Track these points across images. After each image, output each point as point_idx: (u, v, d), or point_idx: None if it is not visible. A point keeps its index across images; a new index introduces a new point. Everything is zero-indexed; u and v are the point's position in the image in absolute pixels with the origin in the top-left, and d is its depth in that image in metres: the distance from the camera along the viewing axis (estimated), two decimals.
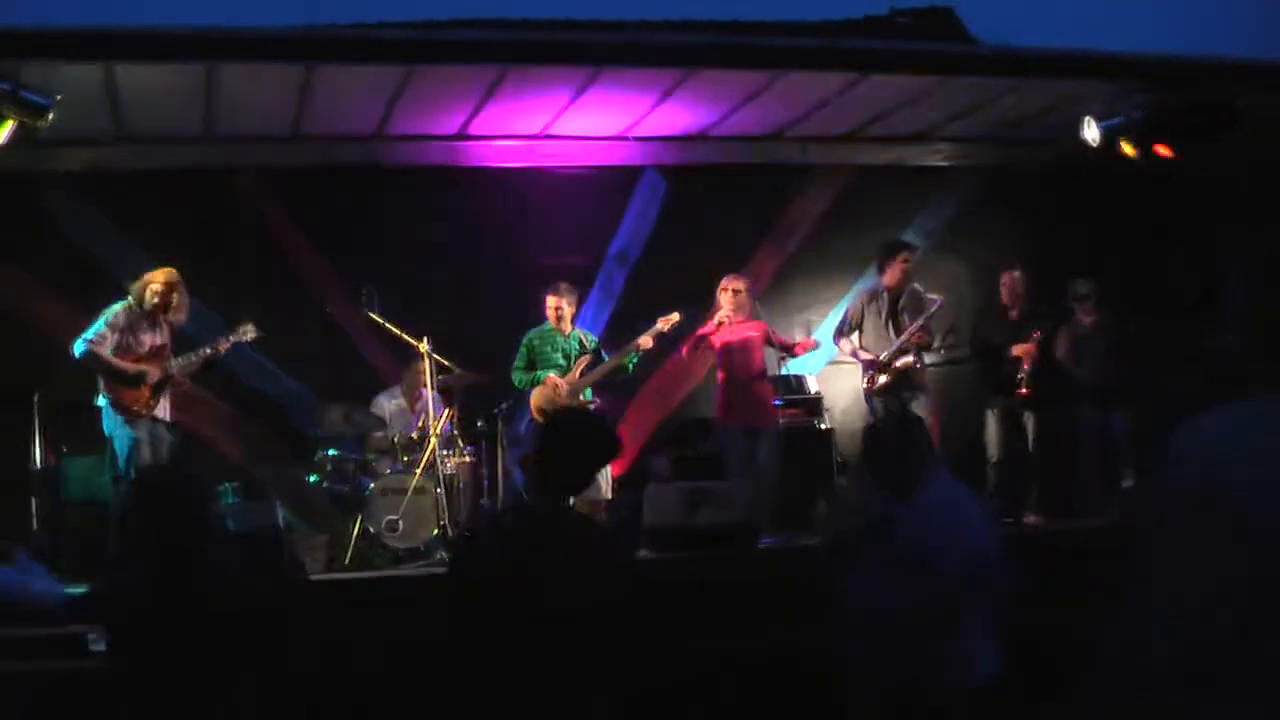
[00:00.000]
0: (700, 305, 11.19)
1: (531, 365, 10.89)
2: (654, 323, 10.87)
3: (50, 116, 9.24)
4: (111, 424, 9.51)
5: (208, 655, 4.70)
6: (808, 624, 7.55)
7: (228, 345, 10.01)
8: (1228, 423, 3.17)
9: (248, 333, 10.04)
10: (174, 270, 9.82)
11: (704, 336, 10.93)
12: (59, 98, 9.23)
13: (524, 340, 10.98)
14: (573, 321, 11.07)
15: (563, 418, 5.90)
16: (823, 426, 11.70)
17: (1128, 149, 11.14)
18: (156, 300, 9.68)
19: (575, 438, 5.01)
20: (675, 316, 10.88)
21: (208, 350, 9.90)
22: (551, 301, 10.95)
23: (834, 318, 12.88)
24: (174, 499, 5.07)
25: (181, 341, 10.01)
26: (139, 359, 9.55)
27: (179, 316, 9.90)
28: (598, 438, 5.16)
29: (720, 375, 11.02)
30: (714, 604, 8.08)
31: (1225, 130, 10.86)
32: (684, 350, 11.09)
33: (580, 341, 10.98)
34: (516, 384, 10.95)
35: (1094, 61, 11.33)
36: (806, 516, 10.01)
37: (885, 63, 11.15)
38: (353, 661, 7.10)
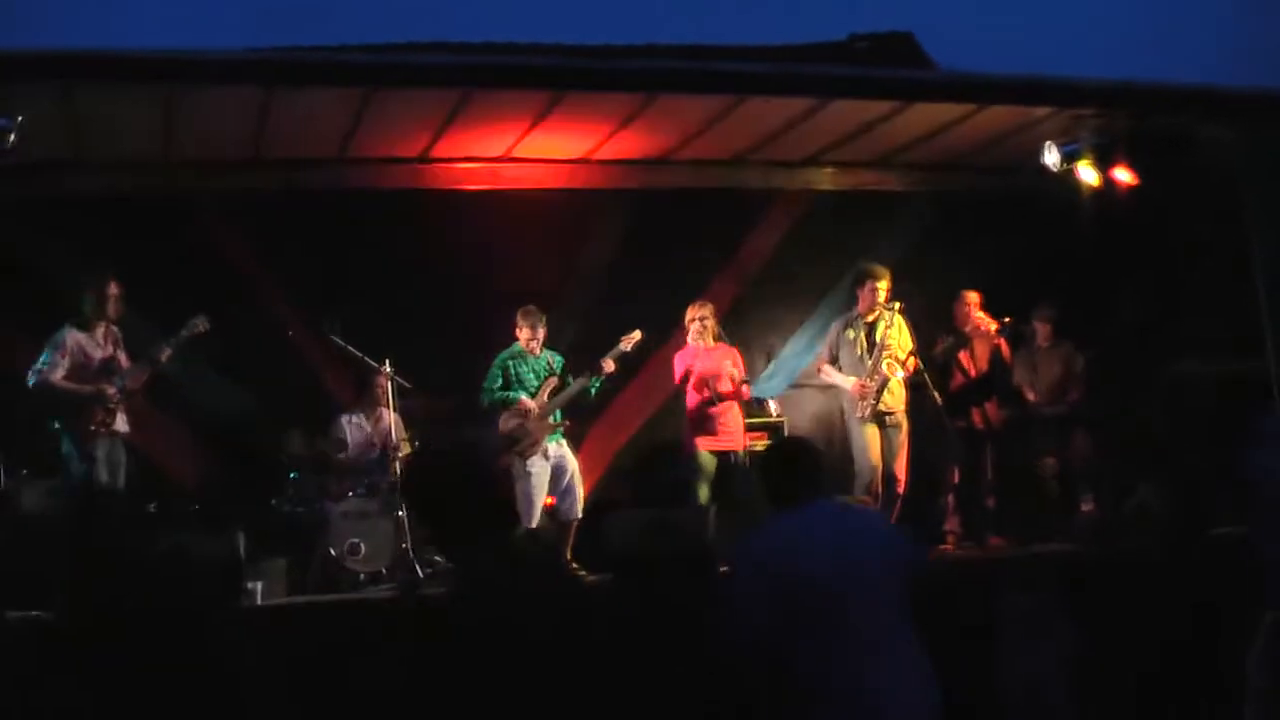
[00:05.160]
0: (659, 328, 11.23)
1: (506, 387, 10.91)
2: (616, 344, 10.95)
3: (12, 139, 9.20)
4: (69, 445, 9.47)
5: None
6: None
7: (178, 344, 9.93)
8: None
9: (197, 325, 9.98)
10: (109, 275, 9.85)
11: (687, 374, 11.02)
12: (20, 119, 9.19)
13: (497, 361, 11.01)
14: (543, 344, 11.11)
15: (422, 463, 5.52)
16: None
17: (1088, 174, 11.25)
18: (116, 303, 9.72)
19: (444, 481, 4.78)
20: (636, 335, 10.98)
21: (158, 353, 9.85)
22: (525, 335, 10.99)
23: (795, 342, 12.96)
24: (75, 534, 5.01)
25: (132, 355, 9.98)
26: (91, 376, 9.54)
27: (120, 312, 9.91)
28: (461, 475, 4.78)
29: (690, 401, 11.07)
30: (676, 631, 8.07)
31: (1182, 155, 10.97)
32: (690, 392, 11.11)
33: (548, 363, 11.02)
34: (486, 403, 10.97)
35: (1054, 87, 11.39)
36: None
37: (847, 88, 11.20)
38: (318, 684, 7.08)
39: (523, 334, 11.02)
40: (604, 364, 10.87)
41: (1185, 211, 11.96)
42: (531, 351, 11.00)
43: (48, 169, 11.07)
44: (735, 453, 11.01)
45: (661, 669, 7.33)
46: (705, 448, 10.96)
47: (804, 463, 5.84)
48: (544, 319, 11.11)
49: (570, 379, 11.00)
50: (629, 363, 11.20)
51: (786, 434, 11.32)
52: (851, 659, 5.22)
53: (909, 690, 5.25)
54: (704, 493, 10.83)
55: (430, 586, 9.83)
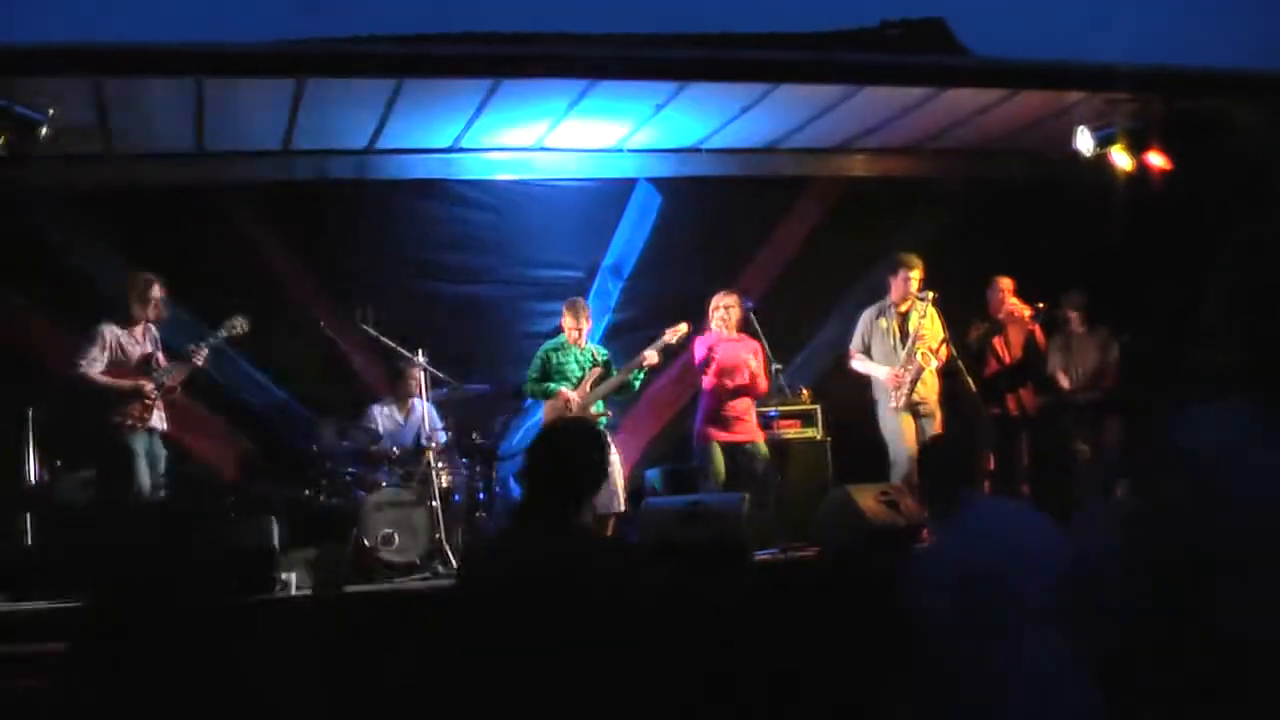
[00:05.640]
0: (690, 317, 11.23)
1: (546, 377, 10.94)
2: (657, 336, 10.94)
3: (44, 132, 9.24)
4: (105, 439, 9.48)
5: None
6: (805, 637, 7.55)
7: (216, 343, 9.95)
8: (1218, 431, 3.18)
9: (235, 326, 9.98)
10: (153, 274, 9.84)
11: (707, 359, 10.97)
12: (52, 113, 9.23)
13: (540, 352, 11.06)
14: (587, 336, 11.11)
15: (552, 431, 5.66)
16: (818, 438, 11.70)
17: (1121, 158, 11.19)
18: (158, 307, 9.72)
19: (565, 451, 4.93)
20: (683, 328, 10.95)
21: (195, 351, 9.85)
22: (569, 325, 11.01)
23: (826, 330, 12.89)
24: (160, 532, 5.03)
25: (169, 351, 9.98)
26: (130, 372, 9.55)
27: (164, 316, 9.92)
28: (585, 450, 5.00)
29: (706, 390, 11.03)
30: (710, 618, 8.06)
31: (1216, 139, 10.90)
32: (705, 380, 11.08)
33: (592, 355, 11.03)
34: (528, 394, 11.11)
35: (1087, 72, 11.34)
36: (803, 528, 10.01)
37: (879, 75, 11.16)
38: (351, 675, 7.08)
39: (566, 324, 11.04)
40: (646, 356, 10.87)
41: (1219, 196, 11.87)
42: (575, 343, 11.00)
43: (79, 162, 11.12)
44: (750, 443, 10.96)
45: (693, 656, 7.33)
46: (717, 439, 10.92)
47: (958, 461, 5.75)
48: (589, 311, 11.12)
49: (615, 371, 11.01)
50: (675, 349, 11.15)
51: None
52: (997, 670, 5.10)
53: (1047, 704, 5.07)
54: (716, 483, 10.78)
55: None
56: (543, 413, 11.03)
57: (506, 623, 4.53)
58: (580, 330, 11.02)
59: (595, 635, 4.51)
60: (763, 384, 11.10)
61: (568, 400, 10.78)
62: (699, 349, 11.04)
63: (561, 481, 4.85)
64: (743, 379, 10.95)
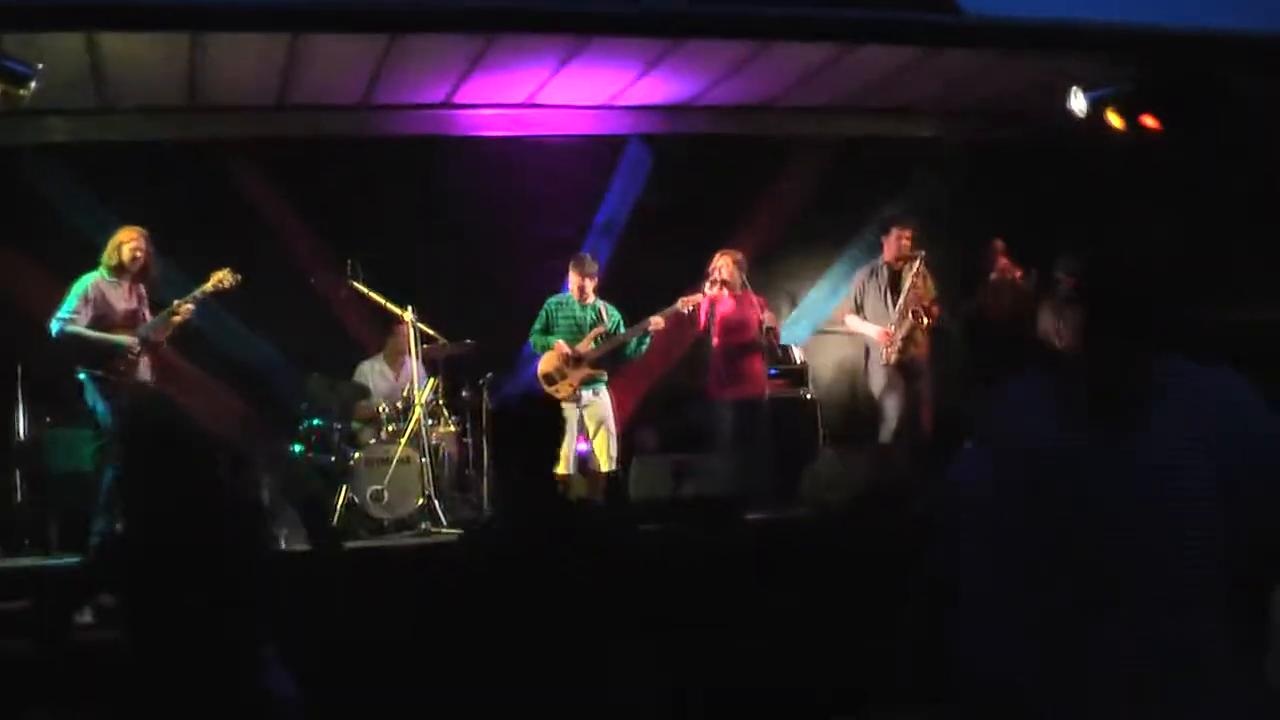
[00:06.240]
0: (684, 275, 11.21)
1: (548, 330, 10.95)
2: (652, 296, 10.94)
3: (33, 86, 9.17)
4: (93, 396, 9.43)
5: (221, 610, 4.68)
6: (795, 596, 7.57)
7: (202, 298, 9.86)
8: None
9: (222, 280, 9.90)
10: (140, 228, 9.74)
11: (710, 319, 10.96)
12: (41, 66, 9.17)
13: (545, 305, 11.10)
14: (595, 293, 11.09)
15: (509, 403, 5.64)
16: (808, 397, 11.70)
17: (1114, 120, 11.15)
18: (140, 258, 9.60)
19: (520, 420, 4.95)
20: (698, 297, 10.92)
21: (180, 306, 9.75)
22: (573, 281, 11.00)
23: (818, 289, 12.88)
24: (173, 433, 5.04)
25: (158, 307, 9.89)
26: (114, 327, 9.47)
27: (151, 273, 9.82)
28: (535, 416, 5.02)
29: (715, 347, 11.01)
30: (700, 577, 8.07)
31: (1213, 102, 10.85)
32: (701, 326, 11.08)
33: (599, 312, 11.00)
34: (532, 346, 11.14)
35: (1082, 32, 11.27)
36: (791, 487, 10.03)
37: (876, 33, 11.10)
38: (339, 630, 7.09)
39: (572, 280, 11.03)
40: (653, 321, 10.85)
41: (1215, 157, 11.84)
42: (580, 299, 10.98)
43: (71, 116, 11.08)
44: (757, 398, 10.97)
45: (685, 613, 7.34)
46: (726, 395, 10.92)
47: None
48: (596, 268, 11.09)
49: (622, 329, 10.99)
50: (655, 309, 11.09)
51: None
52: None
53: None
54: (725, 439, 10.78)
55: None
56: (539, 365, 11.02)
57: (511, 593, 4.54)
58: (584, 287, 11.00)
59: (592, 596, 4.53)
60: (774, 335, 11.11)
61: (564, 354, 10.77)
62: (704, 309, 11.02)
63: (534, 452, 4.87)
64: (748, 334, 10.95)
